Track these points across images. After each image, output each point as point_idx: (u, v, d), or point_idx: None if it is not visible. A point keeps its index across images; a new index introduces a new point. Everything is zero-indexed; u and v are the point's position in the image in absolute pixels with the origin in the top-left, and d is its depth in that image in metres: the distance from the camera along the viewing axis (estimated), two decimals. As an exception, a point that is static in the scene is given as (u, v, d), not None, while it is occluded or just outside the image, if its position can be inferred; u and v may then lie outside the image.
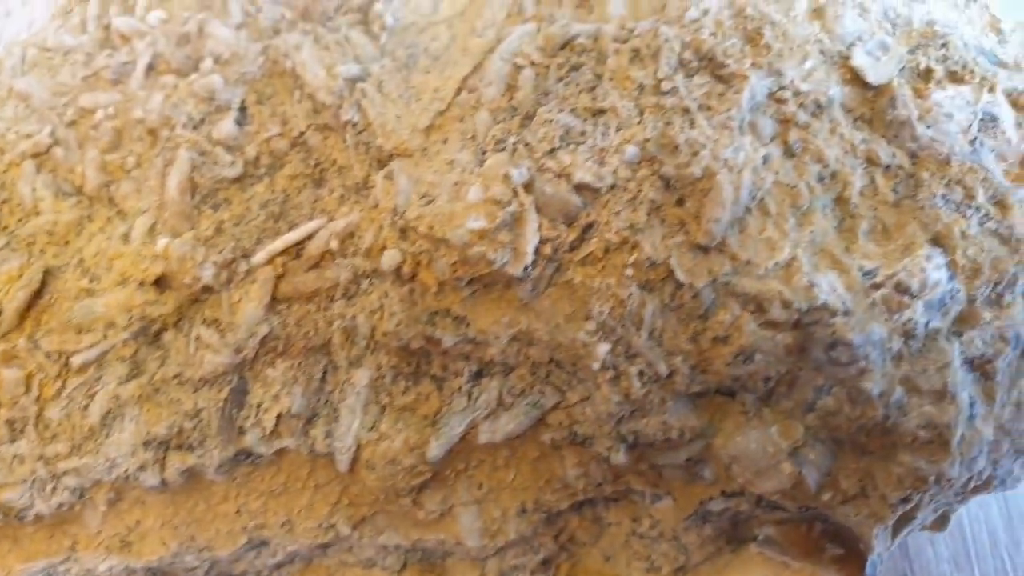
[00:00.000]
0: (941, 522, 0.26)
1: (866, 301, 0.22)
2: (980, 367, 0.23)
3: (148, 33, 0.27)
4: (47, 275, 0.24)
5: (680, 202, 0.22)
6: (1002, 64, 0.25)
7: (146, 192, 0.24)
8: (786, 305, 0.22)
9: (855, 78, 0.24)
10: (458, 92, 0.25)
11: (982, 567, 0.30)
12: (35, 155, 0.26)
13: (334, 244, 0.23)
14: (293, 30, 0.26)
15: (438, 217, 0.22)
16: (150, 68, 0.26)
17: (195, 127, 0.25)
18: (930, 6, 0.26)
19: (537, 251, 0.22)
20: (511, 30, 0.25)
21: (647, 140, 0.22)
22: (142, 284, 0.23)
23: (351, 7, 0.26)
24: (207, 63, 0.25)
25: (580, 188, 0.22)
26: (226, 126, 0.25)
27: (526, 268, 0.22)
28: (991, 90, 0.24)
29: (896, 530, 0.25)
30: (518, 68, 0.24)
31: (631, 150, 0.22)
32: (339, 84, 0.25)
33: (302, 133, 0.25)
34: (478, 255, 0.22)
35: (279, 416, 0.23)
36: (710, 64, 0.23)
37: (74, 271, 0.24)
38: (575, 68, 0.24)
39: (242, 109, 0.25)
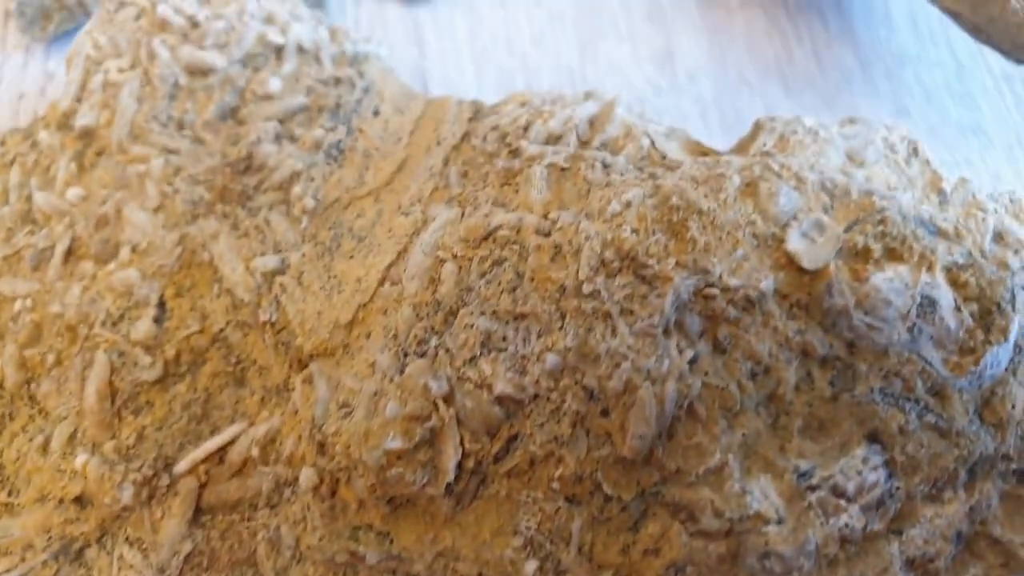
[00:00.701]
0: None
1: (801, 504, 0.22)
2: (921, 567, 0.23)
3: (67, 213, 0.26)
4: (-34, 490, 0.23)
5: (604, 413, 0.22)
6: (942, 233, 0.24)
7: (66, 394, 0.24)
8: (718, 514, 0.22)
9: (790, 262, 0.23)
10: (381, 283, 0.24)
11: None
12: (-46, 348, 0.25)
13: (255, 451, 0.23)
14: (210, 214, 0.26)
15: (355, 436, 0.21)
16: (68, 254, 0.26)
17: (113, 324, 0.24)
18: (869, 170, 0.26)
19: (459, 465, 0.22)
20: (435, 211, 0.25)
21: (568, 349, 0.22)
22: (61, 502, 0.23)
23: (271, 185, 0.26)
24: (124, 252, 0.25)
25: (502, 400, 0.22)
26: (144, 325, 0.24)
27: (448, 485, 0.22)
28: (929, 269, 0.24)
29: None
30: (440, 261, 0.24)
31: (552, 359, 0.22)
32: (256, 280, 0.24)
33: (222, 330, 0.24)
34: (396, 476, 0.21)
35: (202, 641, 0.22)
36: (632, 264, 0.22)
37: (-6, 483, 0.23)
38: (497, 263, 0.23)
39: (160, 305, 0.25)
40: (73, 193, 0.27)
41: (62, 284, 0.25)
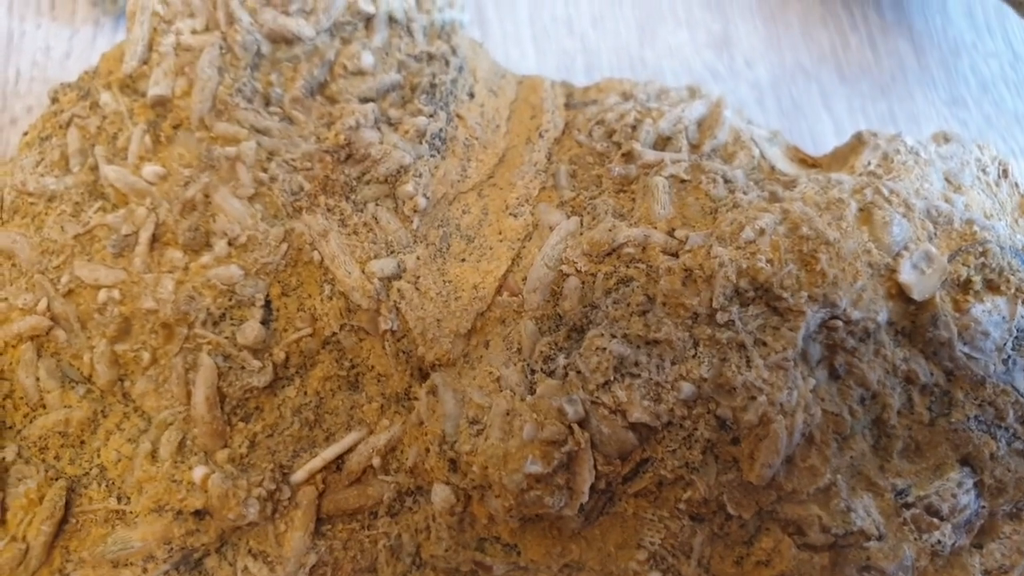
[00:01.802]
0: None
1: (897, 520, 0.24)
2: (997, 577, 0.25)
3: (147, 193, 0.25)
4: (69, 492, 0.23)
5: (735, 441, 0.23)
6: (1034, 264, 0.26)
7: (167, 396, 0.23)
8: (824, 529, 0.23)
9: (900, 293, 0.24)
10: (498, 291, 0.24)
11: None
12: (33, 337, 0.24)
13: (376, 461, 0.23)
14: (315, 207, 0.25)
15: (492, 458, 0.22)
16: (154, 240, 0.24)
17: (215, 324, 0.24)
18: (967, 196, 0.27)
19: (592, 487, 0.23)
20: (550, 218, 0.25)
21: (704, 379, 0.22)
22: (180, 514, 0.22)
23: (376, 177, 0.25)
24: (220, 245, 0.24)
25: (636, 426, 0.22)
26: (252, 328, 0.23)
27: (582, 506, 0.22)
28: (1024, 302, 0.25)
29: None
30: (563, 275, 0.24)
31: (687, 388, 0.22)
32: (375, 285, 0.24)
33: (334, 333, 0.24)
34: (534, 499, 0.22)
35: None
36: (766, 295, 0.23)
37: (98, 485, 0.23)
38: (624, 281, 0.23)
39: (266, 305, 0.24)
40: (150, 171, 0.25)
41: (151, 276, 0.24)
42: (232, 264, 0.24)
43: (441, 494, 0.22)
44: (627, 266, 0.24)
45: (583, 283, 0.24)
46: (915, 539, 0.24)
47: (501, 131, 0.27)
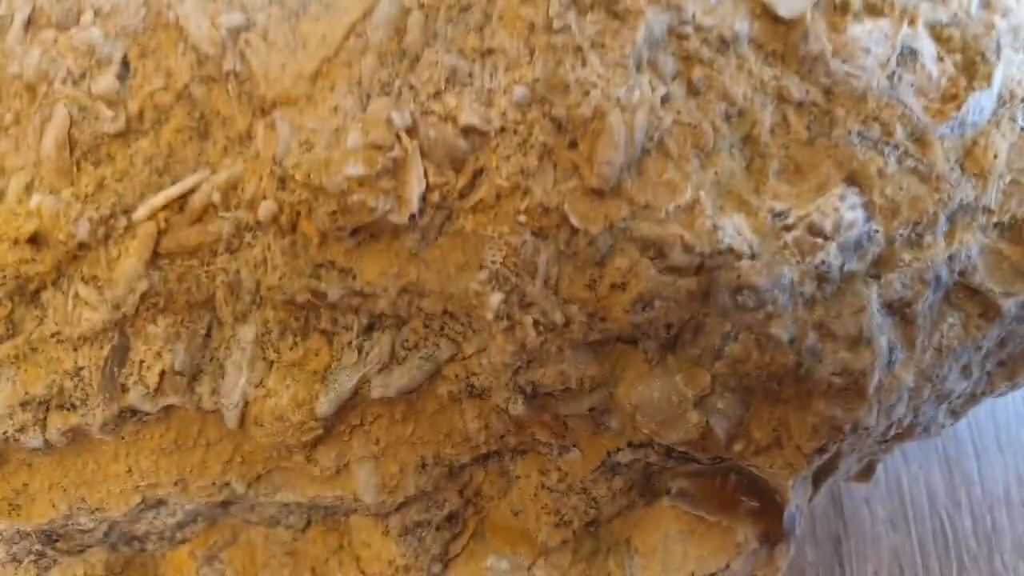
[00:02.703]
0: (867, 472, 0.26)
1: (776, 244, 0.22)
2: (899, 311, 0.23)
3: (32, -13, 0.26)
4: (-79, 237, 0.23)
5: (573, 145, 0.22)
6: (925, -5, 0.24)
7: (23, 150, 0.24)
8: (687, 249, 0.21)
9: (765, 12, 0.23)
10: (346, 37, 0.24)
11: (919, 528, 0.30)
12: (-89, 114, 0.25)
13: (216, 197, 0.23)
14: (177, -20, 0.26)
15: (315, 165, 0.21)
16: (28, 23, 0.26)
17: (74, 82, 0.24)
18: (851, -68, 0.26)
19: (424, 199, 0.22)
20: (404, -26, 0.25)
21: (536, 80, 0.22)
22: (16, 242, 0.23)
23: (241, -51, 0.26)
24: (87, 16, 0.25)
25: (467, 131, 0.22)
26: (106, 80, 0.24)
27: (412, 216, 0.22)
28: (911, 23, 0.23)
29: (818, 481, 0.25)
30: (407, 11, 0.24)
31: (520, 91, 0.22)
32: (222, 34, 0.24)
33: (186, 86, 0.24)
34: (358, 203, 0.21)
35: (162, 373, 0.22)
36: (604, 0, 0.22)
37: (-50, 227, 0.23)
38: (465, 9, 0.23)
39: (124, 63, 0.25)
40: (36, -32, 0.27)
41: (21, 48, 0.25)
42: (94, 28, 0.25)
43: (266, 208, 0.22)
44: (469, -4, 0.24)
45: (426, 16, 0.24)
46: (797, 261, 0.22)
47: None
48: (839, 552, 0.30)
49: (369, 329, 0.23)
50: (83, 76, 0.25)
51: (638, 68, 0.22)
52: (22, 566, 0.25)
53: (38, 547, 0.24)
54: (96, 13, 0.25)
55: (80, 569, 0.25)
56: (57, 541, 0.25)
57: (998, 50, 0.23)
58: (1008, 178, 0.23)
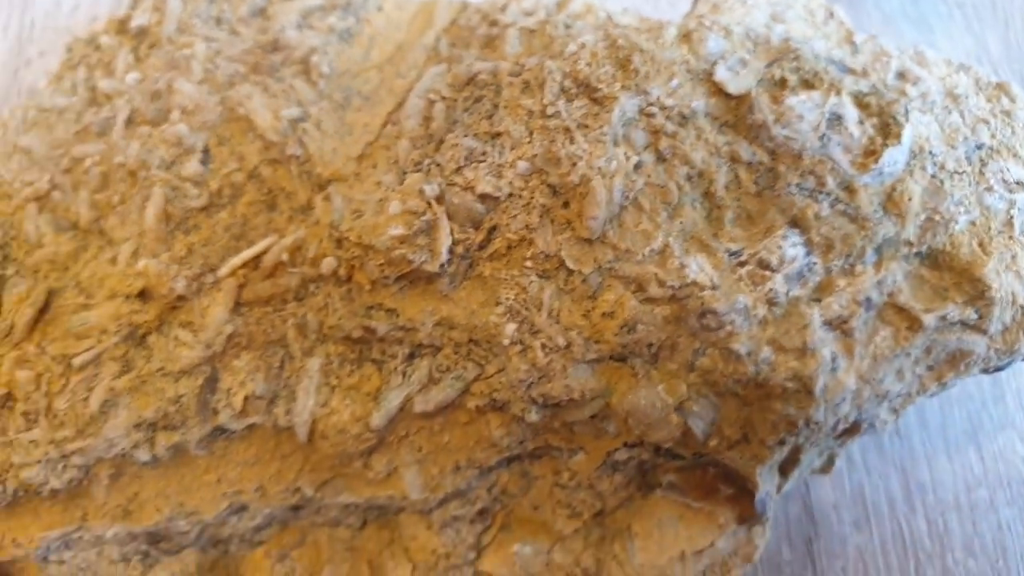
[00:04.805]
0: (828, 465, 0.31)
1: (732, 277, 0.28)
2: (838, 327, 0.28)
3: (126, 92, 0.34)
4: (50, 295, 0.30)
5: (566, 205, 0.28)
6: (850, 71, 0.31)
7: (129, 224, 0.31)
8: (661, 284, 0.28)
9: (718, 91, 0.30)
10: (384, 125, 0.31)
11: (880, 530, 0.35)
12: (37, 199, 0.32)
13: (285, 256, 0.29)
14: (245, 82, 0.33)
15: (365, 228, 0.28)
16: (128, 121, 0.33)
17: (167, 168, 0.31)
18: (789, 25, 0.32)
19: (451, 251, 0.28)
20: (427, 70, 0.32)
21: (535, 155, 0.28)
22: (128, 297, 0.29)
23: (294, 60, 0.33)
24: (175, 114, 0.32)
25: (483, 198, 0.28)
26: (192, 165, 0.31)
27: (442, 265, 0.28)
28: (837, 93, 0.30)
29: (785, 471, 0.30)
30: (431, 102, 0.30)
31: (523, 164, 0.28)
32: (284, 125, 0.31)
33: (256, 167, 0.31)
34: (400, 257, 0.28)
35: (246, 398, 0.28)
36: (586, 89, 0.29)
37: (72, 291, 0.30)
38: (477, 100, 0.30)
39: (205, 151, 0.31)
40: (131, 77, 0.34)
41: (124, 142, 0.32)
42: (180, 124, 0.32)
43: (327, 263, 0.28)
44: (481, 89, 0.30)
45: (447, 107, 0.30)
46: (750, 290, 0.28)
47: (402, 30, 0.35)
48: (811, 551, 0.36)
49: (411, 357, 0.29)
50: (174, 162, 0.31)
51: (615, 142, 0.29)
52: (130, 564, 0.30)
53: (144, 547, 0.30)
54: (182, 111, 0.32)
55: (177, 567, 0.31)
56: (160, 542, 0.30)
57: (907, 114, 0.29)
58: (923, 216, 0.29)
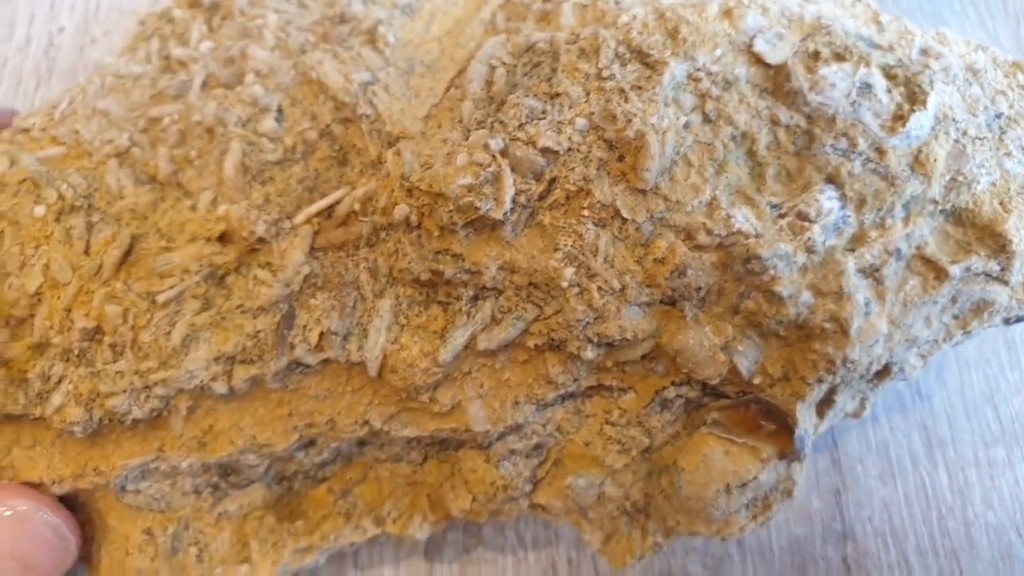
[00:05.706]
0: (860, 408, 0.34)
1: (774, 227, 0.31)
2: (871, 274, 0.31)
3: (200, 58, 0.36)
4: (133, 240, 0.32)
5: (621, 158, 0.31)
6: (878, 46, 0.34)
7: (206, 175, 0.33)
8: (709, 232, 0.30)
9: (758, 60, 0.33)
10: (448, 89, 0.33)
11: (904, 483, 0.38)
12: (117, 155, 0.35)
13: (356, 206, 0.32)
14: (316, 50, 0.35)
15: (436, 178, 0.30)
16: (204, 84, 0.35)
17: (243, 125, 0.34)
18: (820, 6, 0.35)
19: (514, 200, 0.31)
20: (487, 40, 0.34)
21: (592, 113, 0.31)
22: (208, 240, 0.31)
23: (361, 31, 0.36)
24: (250, 77, 0.35)
25: (544, 151, 0.31)
26: (267, 123, 0.33)
27: (506, 213, 0.30)
28: (867, 65, 0.33)
29: (821, 412, 0.33)
30: (493, 68, 0.33)
31: (581, 121, 0.31)
32: (355, 87, 0.34)
33: (328, 125, 0.34)
34: (468, 204, 0.30)
35: (321, 334, 0.31)
36: (639, 55, 0.32)
37: (154, 236, 0.32)
38: (536, 65, 0.33)
39: (279, 110, 0.34)
40: (205, 45, 0.36)
41: (200, 102, 0.35)
42: (256, 85, 0.34)
43: (400, 210, 0.31)
44: (539, 56, 0.33)
45: (508, 72, 0.33)
46: (790, 239, 0.30)
47: (460, 6, 0.38)
48: (839, 502, 0.38)
49: (475, 299, 0.31)
50: (249, 120, 0.34)
51: (665, 103, 0.31)
52: (201, 496, 0.32)
53: (215, 479, 0.32)
54: (257, 74, 0.35)
55: (244, 500, 0.33)
56: (230, 475, 0.32)
57: (932, 83, 0.32)
58: (948, 176, 0.32)
